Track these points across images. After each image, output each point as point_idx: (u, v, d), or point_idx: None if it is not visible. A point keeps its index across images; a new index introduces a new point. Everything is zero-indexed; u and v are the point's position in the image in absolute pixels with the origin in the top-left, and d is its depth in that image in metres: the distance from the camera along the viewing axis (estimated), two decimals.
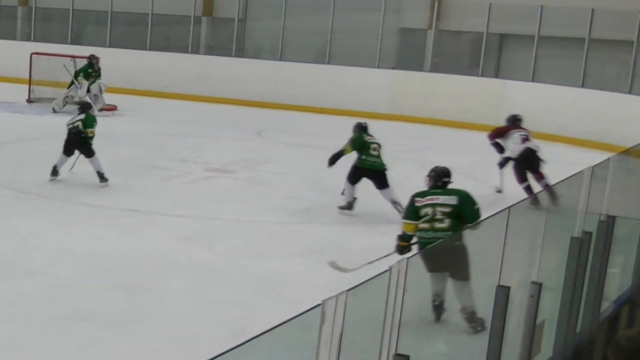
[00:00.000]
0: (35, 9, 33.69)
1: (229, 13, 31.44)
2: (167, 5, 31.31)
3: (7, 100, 26.59)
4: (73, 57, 27.79)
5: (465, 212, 11.35)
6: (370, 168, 16.42)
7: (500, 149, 18.48)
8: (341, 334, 5.04)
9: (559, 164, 17.14)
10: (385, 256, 11.98)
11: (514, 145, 18.06)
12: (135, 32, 31.72)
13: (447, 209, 11.50)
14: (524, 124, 18.62)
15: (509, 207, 7.12)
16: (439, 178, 12.05)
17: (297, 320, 6.13)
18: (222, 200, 17.74)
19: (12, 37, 33.70)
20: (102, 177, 18.30)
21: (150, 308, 11.89)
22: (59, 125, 23.54)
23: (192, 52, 30.91)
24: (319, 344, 5.05)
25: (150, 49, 30.91)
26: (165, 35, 31.97)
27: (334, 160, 16.99)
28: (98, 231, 15.07)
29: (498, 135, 18.62)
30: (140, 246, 14.48)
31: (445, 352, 8.69)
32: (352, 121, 19.39)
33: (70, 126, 18.59)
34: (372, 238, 15.47)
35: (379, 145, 16.55)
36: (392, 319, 5.53)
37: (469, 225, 10.97)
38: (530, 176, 17.77)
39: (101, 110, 26.73)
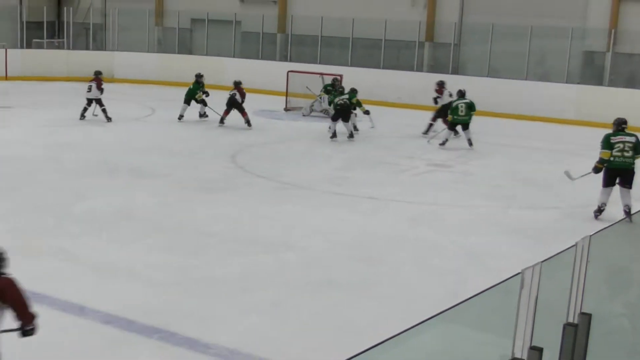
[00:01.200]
0: (291, 35, 34.24)
1: (447, 39, 31.34)
2: (397, 33, 31.39)
3: (269, 108, 27.06)
4: (321, 74, 28.24)
5: (637, 147, 14.91)
6: (619, 167, 15.04)
7: None
8: (537, 297, 5.11)
9: None
10: (586, 174, 15.77)
11: None
12: (371, 54, 31.83)
13: (630, 144, 14.94)
14: None
15: None
16: (620, 125, 15.24)
17: (501, 285, 6.26)
18: (441, 189, 17.72)
19: (273, 58, 34.25)
20: (351, 134, 23.06)
21: (384, 276, 12.05)
22: (308, 129, 23.99)
23: (416, 70, 30.90)
24: (519, 305, 5.13)
25: (383, 68, 31.05)
26: (395, 56, 31.97)
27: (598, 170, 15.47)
28: (343, 214, 15.30)
29: None
30: (376, 226, 14.66)
31: (624, 312, 8.54)
32: (547, 126, 19.41)
33: (341, 102, 22.69)
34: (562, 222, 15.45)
35: (626, 144, 15.18)
36: (577, 284, 5.59)
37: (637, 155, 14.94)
38: None
39: None
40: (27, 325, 7.38)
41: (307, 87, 27.89)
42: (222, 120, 24.32)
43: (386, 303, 10.97)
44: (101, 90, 24.86)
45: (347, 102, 23.27)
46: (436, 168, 20.01)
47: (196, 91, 25.60)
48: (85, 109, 25.02)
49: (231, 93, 24.43)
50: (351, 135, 23.33)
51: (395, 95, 30.24)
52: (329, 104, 24.74)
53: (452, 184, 18.40)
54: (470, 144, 22.65)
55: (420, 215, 15.55)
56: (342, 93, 23.98)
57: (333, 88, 25.90)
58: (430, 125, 24.50)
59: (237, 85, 24.78)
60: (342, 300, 10.94)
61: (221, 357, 8.93)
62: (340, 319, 10.29)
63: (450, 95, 24.16)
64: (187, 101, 25.60)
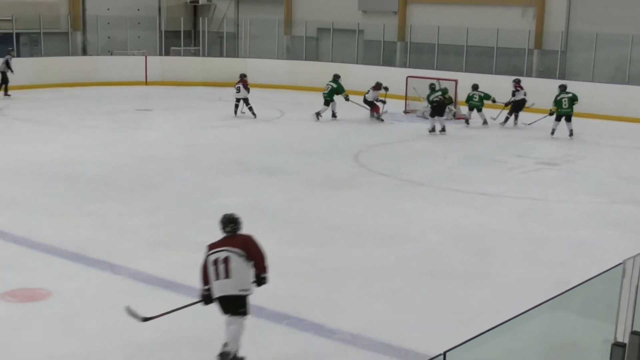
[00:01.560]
0: (410, 43, 34.20)
1: (554, 46, 30.96)
2: (508, 41, 31.16)
3: (390, 111, 27.08)
4: (438, 79, 28.23)
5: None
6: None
7: None
8: (637, 285, 5.16)
9: None
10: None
11: None
12: (484, 61, 31.61)
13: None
14: None
15: None
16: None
17: (604, 275, 6.31)
18: (548, 186, 17.62)
19: (393, 64, 34.18)
20: (443, 129, 23.73)
21: (496, 267, 12.11)
22: (425, 130, 24.00)
23: (526, 76, 30.58)
24: (620, 293, 5.20)
25: (495, 74, 30.83)
26: (506, 63, 31.72)
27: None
28: (458, 209, 15.39)
29: None
30: (488, 220, 14.71)
31: None
32: None
33: (436, 99, 23.78)
34: None
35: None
36: None
37: None
38: None
39: (457, 118, 27.10)
40: (262, 273, 8.70)
41: (413, 88, 27.96)
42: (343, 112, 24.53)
43: (497, 292, 11.05)
44: (247, 89, 26.12)
45: (442, 98, 24.14)
46: (544, 166, 19.82)
47: (342, 90, 26.19)
48: (236, 106, 26.20)
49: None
50: (443, 130, 24.03)
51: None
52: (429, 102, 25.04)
53: (559, 181, 18.29)
54: (571, 134, 23.54)
55: (529, 210, 15.54)
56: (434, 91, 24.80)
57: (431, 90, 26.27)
58: (507, 118, 26.02)
59: (243, 77, 26.51)
60: (457, 289, 11.06)
61: (345, 342, 9.12)
62: (455, 306, 10.39)
63: (525, 93, 26.01)
64: (327, 102, 26.09)
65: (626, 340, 5.29)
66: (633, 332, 5.26)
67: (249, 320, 8.62)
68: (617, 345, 5.35)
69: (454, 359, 4.82)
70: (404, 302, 10.54)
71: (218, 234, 13.05)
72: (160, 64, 36.03)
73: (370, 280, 11.11)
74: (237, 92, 26.25)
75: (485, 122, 25.55)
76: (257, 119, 25.64)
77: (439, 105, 24.12)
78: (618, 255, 6.47)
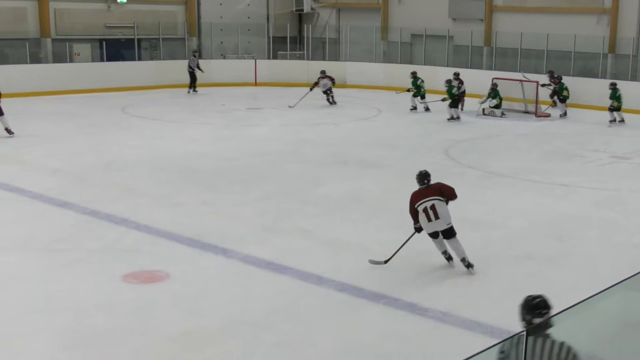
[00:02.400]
0: (495, 48, 33.89)
1: (626, 51, 30.42)
2: (584, 46, 30.76)
3: (476, 110, 26.91)
4: (520, 80, 28.01)
5: None
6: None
7: None
8: None
9: None
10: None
11: None
12: (562, 64, 31.09)
13: None
14: None
15: None
16: None
17: None
18: (622, 177, 17.37)
19: (480, 67, 33.80)
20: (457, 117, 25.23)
21: (574, 250, 12.02)
22: (509, 127, 23.79)
23: (601, 78, 30.19)
24: None
25: (573, 75, 30.36)
26: (583, 65, 31.22)
27: None
28: (538, 198, 15.29)
29: None
30: (566, 208, 14.59)
31: None
32: None
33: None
34: None
35: None
36: None
37: None
38: None
39: (538, 116, 26.83)
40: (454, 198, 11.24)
41: (523, 74, 28.90)
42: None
43: (575, 273, 10.97)
44: (332, 81, 28.42)
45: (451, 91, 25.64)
46: (617, 160, 19.49)
47: (413, 86, 26.95)
48: (328, 96, 28.36)
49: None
50: (457, 118, 25.55)
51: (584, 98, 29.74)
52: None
53: (632, 173, 17.98)
54: (623, 120, 25.43)
55: (604, 199, 15.34)
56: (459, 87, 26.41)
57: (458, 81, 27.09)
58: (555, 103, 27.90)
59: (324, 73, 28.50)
60: (538, 270, 11.01)
61: (436, 319, 9.16)
62: (536, 286, 10.22)
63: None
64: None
65: None
66: None
67: (350, 299, 8.75)
68: None
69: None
70: (490, 283, 10.53)
71: (322, 221, 13.28)
72: (269, 67, 36.41)
73: (458, 263, 11.09)
74: (323, 87, 27.99)
75: (623, 120, 25.53)
76: (355, 118, 25.77)
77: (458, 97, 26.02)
78: None
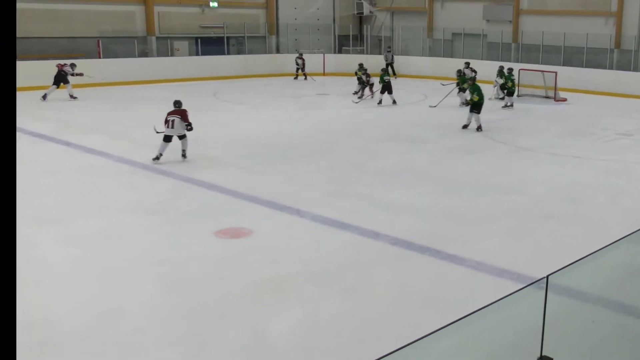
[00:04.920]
0: (521, 44, 33.41)
1: (630, 46, 29.91)
2: (594, 42, 30.38)
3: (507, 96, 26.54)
4: (542, 71, 27.53)
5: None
6: None
7: None
8: None
9: None
10: None
11: None
12: (577, 58, 30.65)
13: None
14: None
15: None
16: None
17: None
18: (626, 151, 16.99)
19: (509, 60, 33.20)
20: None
21: (586, 211, 11.79)
22: (532, 109, 23.37)
23: (608, 69, 29.69)
24: None
25: (585, 67, 29.96)
26: (593, 59, 30.53)
27: None
28: (557, 169, 15.04)
29: None
30: (579, 177, 14.34)
31: None
32: None
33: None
34: None
35: None
36: None
37: None
38: None
39: (557, 101, 26.35)
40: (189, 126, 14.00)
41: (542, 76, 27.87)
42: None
43: (588, 230, 10.79)
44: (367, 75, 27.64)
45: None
46: (622, 136, 19.10)
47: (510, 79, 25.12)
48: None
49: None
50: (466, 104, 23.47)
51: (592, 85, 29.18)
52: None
53: (635, 148, 17.54)
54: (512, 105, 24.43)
55: (611, 169, 15.02)
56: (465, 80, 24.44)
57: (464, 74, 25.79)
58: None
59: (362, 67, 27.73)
60: (557, 228, 10.85)
61: (472, 268, 9.09)
62: (556, 240, 10.22)
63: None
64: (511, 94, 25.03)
65: None
66: None
67: (401, 252, 8.75)
68: None
69: (554, 280, 4.81)
70: (516, 238, 10.41)
71: (377, 187, 13.25)
72: (335, 60, 36.25)
73: (492, 221, 11.02)
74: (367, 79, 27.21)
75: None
76: (406, 101, 25.59)
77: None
78: None
